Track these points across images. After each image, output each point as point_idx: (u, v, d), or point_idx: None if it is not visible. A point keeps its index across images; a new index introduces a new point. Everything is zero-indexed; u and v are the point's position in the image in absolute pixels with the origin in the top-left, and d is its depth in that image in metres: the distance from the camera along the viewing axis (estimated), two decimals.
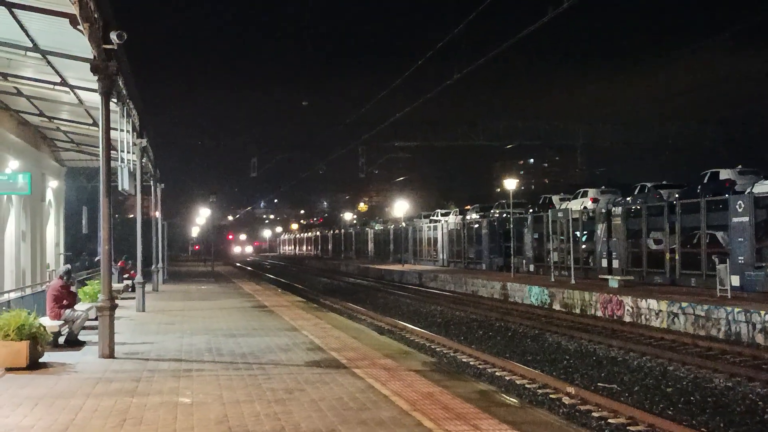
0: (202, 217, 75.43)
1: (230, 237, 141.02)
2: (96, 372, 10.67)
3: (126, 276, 28.65)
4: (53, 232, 31.76)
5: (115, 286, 20.05)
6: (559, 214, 33.97)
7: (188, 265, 65.17)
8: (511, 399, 9.28)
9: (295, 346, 13.37)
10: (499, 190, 77.47)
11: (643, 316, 21.96)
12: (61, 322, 13.38)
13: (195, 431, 7.40)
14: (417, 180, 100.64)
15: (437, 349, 18.59)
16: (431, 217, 61.13)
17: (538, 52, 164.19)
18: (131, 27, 12.03)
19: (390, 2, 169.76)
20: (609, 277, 28.29)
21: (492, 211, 49.79)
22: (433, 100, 33.88)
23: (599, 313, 24.17)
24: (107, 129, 12.25)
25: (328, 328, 16.14)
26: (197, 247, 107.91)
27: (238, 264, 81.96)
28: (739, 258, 23.70)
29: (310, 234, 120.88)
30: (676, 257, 27.43)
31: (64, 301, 13.63)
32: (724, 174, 30.31)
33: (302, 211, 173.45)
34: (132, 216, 49.59)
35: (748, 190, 26.35)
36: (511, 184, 38.79)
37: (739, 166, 30.80)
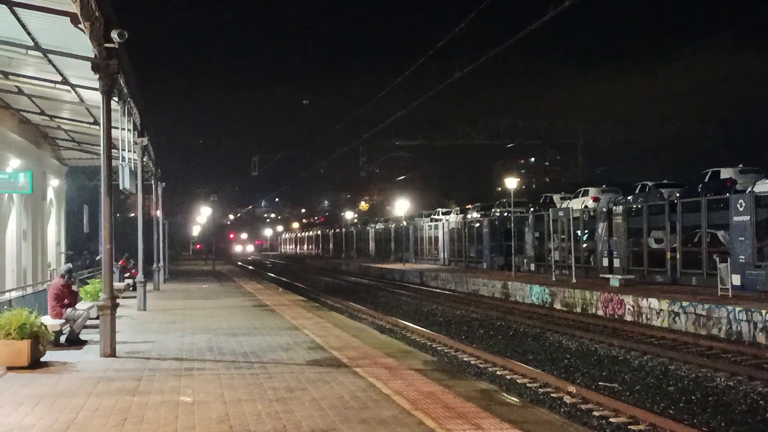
0: (203, 216, 75.45)
1: (231, 236, 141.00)
2: (97, 371, 10.67)
3: (127, 275, 28.65)
4: (54, 230, 31.75)
5: (117, 285, 20.05)
6: (560, 213, 33.99)
7: (189, 264, 65.16)
8: (512, 398, 9.28)
9: (297, 345, 13.37)
10: (500, 189, 77.43)
11: (644, 315, 21.95)
12: (63, 321, 13.38)
13: (196, 430, 7.40)
14: (418, 179, 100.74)
15: (438, 348, 18.59)
16: (432, 216, 61.12)
17: (539, 51, 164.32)
18: (132, 26, 12.01)
19: (391, 1, 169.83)
20: (610, 276, 28.29)
21: (493, 210, 49.81)
22: (434, 99, 33.90)
23: (600, 312, 24.16)
24: (108, 128, 12.25)
25: (329, 327, 16.14)
26: (198, 246, 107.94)
27: (239, 263, 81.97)
28: (740, 257, 23.69)
29: (311, 233, 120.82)
30: (677, 256, 27.42)
31: (66, 300, 13.64)
32: (725, 173, 30.32)
33: (303, 210, 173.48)
34: (133, 215, 49.60)
35: (749, 189, 26.34)
36: (512, 183, 38.79)
37: (740, 165, 30.80)
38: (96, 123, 20.51)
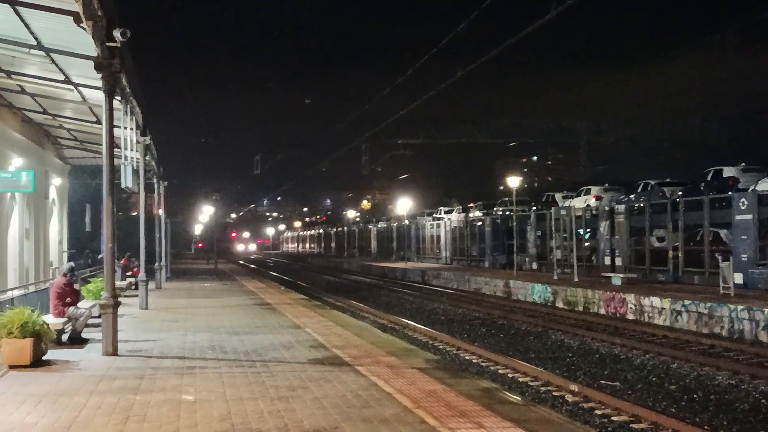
0: (205, 214, 75.50)
1: (233, 235, 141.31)
2: (99, 369, 10.69)
3: (129, 273, 28.68)
4: (56, 229, 31.78)
5: (119, 283, 20.06)
6: (562, 212, 34.00)
7: (191, 263, 65.19)
8: (514, 396, 9.28)
9: (299, 343, 13.38)
10: (502, 187, 77.30)
11: (646, 314, 21.94)
12: (65, 319, 13.39)
13: (198, 428, 7.41)
14: (420, 178, 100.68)
15: (440, 347, 18.60)
16: (434, 215, 61.12)
17: (541, 49, 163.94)
18: (134, 25, 12.01)
19: (393, 0, 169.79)
20: (612, 274, 28.29)
21: (495, 208, 49.81)
22: (437, 97, 33.88)
23: (602, 311, 24.15)
24: (111, 126, 12.25)
25: (331, 326, 16.15)
26: (200, 244, 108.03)
27: (241, 262, 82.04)
28: (743, 255, 23.68)
29: (313, 232, 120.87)
30: (680, 255, 27.43)
31: (68, 299, 13.64)
32: (728, 172, 30.30)
33: (305, 209, 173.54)
34: (135, 213, 49.67)
35: (752, 188, 26.36)
36: (514, 181, 38.77)
37: (743, 164, 30.78)
38: (98, 122, 20.50)
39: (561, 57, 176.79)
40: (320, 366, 10.96)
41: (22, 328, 10.69)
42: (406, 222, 63.38)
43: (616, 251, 31.25)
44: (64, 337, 13.45)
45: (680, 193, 31.35)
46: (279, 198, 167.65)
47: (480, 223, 45.97)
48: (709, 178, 30.75)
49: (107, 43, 11.61)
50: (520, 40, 21.58)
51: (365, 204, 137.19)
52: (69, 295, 13.72)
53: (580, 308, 25.38)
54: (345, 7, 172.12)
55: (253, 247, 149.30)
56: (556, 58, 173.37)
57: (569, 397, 12.75)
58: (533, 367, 15.14)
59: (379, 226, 75.58)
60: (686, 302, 20.40)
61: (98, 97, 15.13)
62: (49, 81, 16.99)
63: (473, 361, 16.59)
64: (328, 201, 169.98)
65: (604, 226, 32.33)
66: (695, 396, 13.00)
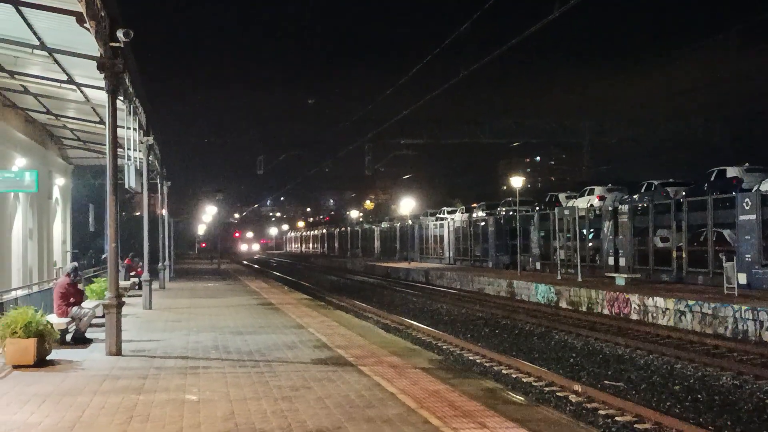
0: (208, 214, 75.55)
1: (237, 235, 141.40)
2: (103, 369, 10.70)
3: (133, 273, 28.70)
4: (60, 229, 31.84)
5: (122, 283, 20.09)
6: (566, 212, 33.94)
7: (195, 262, 65.26)
8: (517, 397, 9.27)
9: (302, 343, 13.38)
10: (505, 187, 77.31)
11: (649, 314, 21.91)
12: (69, 319, 13.41)
13: (202, 428, 7.41)
14: (423, 178, 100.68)
15: (444, 347, 18.58)
16: (437, 215, 61.07)
17: (544, 49, 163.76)
18: (137, 25, 12.03)
19: (396, 0, 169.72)
20: (616, 274, 28.26)
21: (498, 208, 49.76)
22: (440, 97, 33.87)
23: (606, 311, 24.12)
24: (114, 127, 12.26)
25: (334, 326, 16.14)
26: (204, 244, 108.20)
27: (244, 262, 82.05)
28: (746, 255, 23.63)
29: (316, 232, 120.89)
30: (683, 255, 27.38)
31: (72, 299, 13.66)
32: (731, 172, 30.21)
33: (309, 209, 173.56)
34: (139, 213, 49.67)
35: (756, 188, 26.27)
36: (517, 181, 38.75)
37: (746, 164, 30.68)
38: (101, 122, 20.55)
39: (564, 57, 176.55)
40: (323, 366, 10.96)
41: (26, 328, 10.70)
42: (409, 222, 63.38)
43: (620, 251, 31.21)
44: (68, 337, 13.46)
45: (684, 193, 31.28)
46: (282, 198, 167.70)
47: (483, 224, 45.94)
48: (712, 179, 30.67)
49: (110, 44, 11.62)
50: (523, 40, 21.61)
51: (368, 204, 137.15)
52: (73, 295, 13.74)
53: (584, 308, 25.35)
54: (348, 7, 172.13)
55: (256, 247, 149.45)
56: (559, 58, 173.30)
57: (573, 398, 12.73)
58: (537, 368, 15.12)
59: (382, 226, 75.57)
60: (690, 302, 20.36)
61: (101, 97, 15.14)
62: (52, 81, 17.03)
63: (477, 361, 16.57)
64: (331, 201, 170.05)
65: (607, 226, 32.30)
66: (699, 396, 12.97)
